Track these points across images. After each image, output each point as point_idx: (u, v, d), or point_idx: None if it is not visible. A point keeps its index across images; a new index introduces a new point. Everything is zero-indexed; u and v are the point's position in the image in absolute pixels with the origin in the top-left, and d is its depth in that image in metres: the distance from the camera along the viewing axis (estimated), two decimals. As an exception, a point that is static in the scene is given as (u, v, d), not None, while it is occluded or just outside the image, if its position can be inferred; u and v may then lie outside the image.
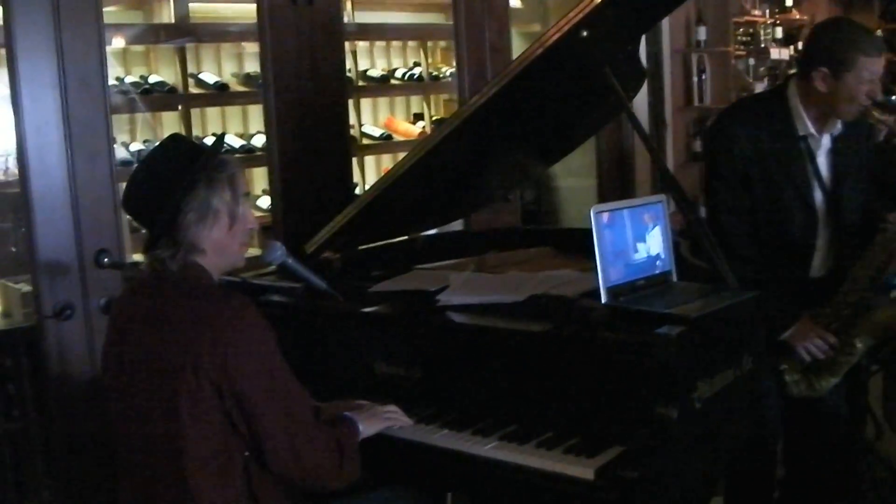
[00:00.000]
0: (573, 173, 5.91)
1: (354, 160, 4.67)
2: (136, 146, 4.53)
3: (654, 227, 2.49)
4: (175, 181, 2.17)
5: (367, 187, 5.02)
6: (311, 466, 2.20)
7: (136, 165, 2.30)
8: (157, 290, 2.23)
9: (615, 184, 5.74)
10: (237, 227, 2.27)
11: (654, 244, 2.49)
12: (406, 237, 3.58)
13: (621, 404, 2.21)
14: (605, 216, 2.38)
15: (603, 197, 5.57)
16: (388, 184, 3.03)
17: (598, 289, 2.37)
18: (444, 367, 2.55)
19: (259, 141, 4.82)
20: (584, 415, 2.29)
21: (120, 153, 3.86)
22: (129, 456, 2.25)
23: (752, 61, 7.12)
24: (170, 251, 2.20)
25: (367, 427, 2.38)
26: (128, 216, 2.43)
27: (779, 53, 7.35)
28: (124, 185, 3.37)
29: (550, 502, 2.20)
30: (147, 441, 2.19)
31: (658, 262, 2.51)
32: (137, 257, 3.68)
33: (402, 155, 3.46)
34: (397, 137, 5.50)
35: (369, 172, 5.54)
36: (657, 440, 2.11)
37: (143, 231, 2.30)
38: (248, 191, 2.32)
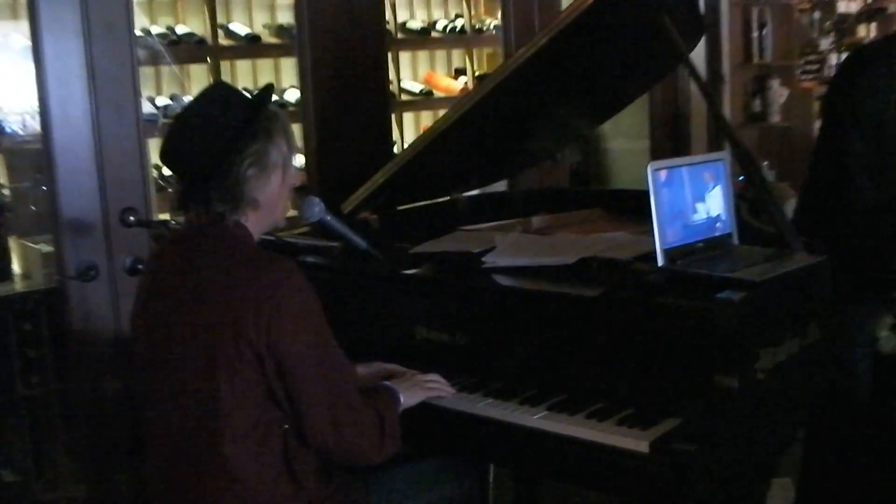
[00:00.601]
0: (623, 134, 5.87)
1: (392, 117, 4.65)
2: (162, 100, 4.54)
3: (714, 186, 2.47)
4: (233, 130, 2.16)
5: (405, 145, 5.04)
6: (350, 440, 2.21)
7: (174, 118, 2.27)
8: (195, 250, 2.23)
9: (669, 145, 5.69)
10: (286, 183, 2.28)
11: (714, 204, 2.47)
12: (447, 198, 3.57)
13: (678, 374, 2.20)
14: (663, 174, 2.36)
15: (655, 159, 5.52)
16: (428, 142, 3.03)
17: (653, 251, 2.35)
18: (489, 332, 2.55)
19: (292, 96, 4.81)
20: (639, 384, 2.28)
21: (145, 108, 3.86)
22: (160, 425, 2.26)
23: (816, 15, 7.00)
24: (230, 205, 2.19)
25: (409, 398, 2.39)
26: (168, 171, 2.40)
27: (846, 6, 7.22)
28: (151, 140, 3.42)
29: (601, 476, 2.21)
30: (181, 410, 2.19)
31: (718, 224, 2.49)
32: (164, 216, 3.70)
33: (442, 112, 3.45)
34: (438, 93, 5.48)
35: (408, 130, 5.53)
36: (716, 412, 2.10)
37: (179, 188, 2.28)
38: (296, 143, 2.32)
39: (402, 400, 2.36)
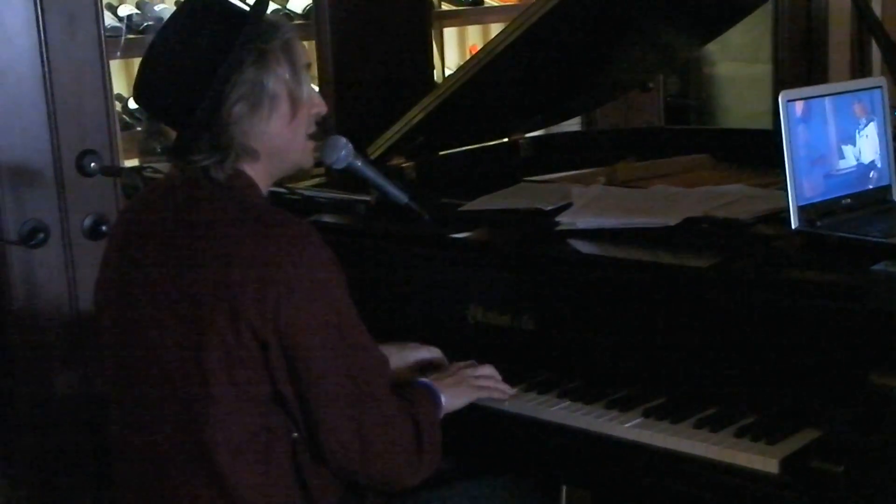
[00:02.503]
0: (736, 55, 5.85)
1: (432, 33, 4.65)
2: (126, 9, 4.55)
3: (867, 123, 2.46)
4: (214, 57, 2.14)
5: (447, 70, 5.04)
6: (379, 458, 2.22)
7: (153, 39, 2.26)
8: (182, 206, 2.22)
9: (799, 70, 5.65)
10: (301, 114, 2.27)
11: (867, 148, 2.47)
12: (505, 140, 3.58)
13: (818, 371, 2.20)
14: (799, 106, 2.35)
15: (781, 88, 5.48)
16: (479, 67, 3.04)
17: (784, 209, 2.35)
18: (564, 315, 2.56)
19: (299, 4, 4.82)
20: (764, 385, 2.28)
21: (105, 19, 3.89)
22: (133, 430, 2.27)
23: None
24: (215, 157, 2.18)
25: (452, 398, 2.40)
26: (144, 111, 2.39)
27: None
28: (112, 62, 3.43)
29: (715, 503, 2.21)
30: (159, 411, 2.20)
31: (873, 174, 2.48)
32: (132, 162, 3.73)
33: (496, 27, 3.45)
34: (490, 2, 5.48)
35: (451, 50, 5.53)
36: (871, 422, 2.08)
37: (157, 132, 2.30)
38: (308, 61, 2.31)
39: (443, 402, 2.37)
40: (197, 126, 2.17)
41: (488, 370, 2.49)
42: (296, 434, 2.20)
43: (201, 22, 2.20)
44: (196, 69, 2.16)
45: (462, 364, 2.51)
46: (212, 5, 2.25)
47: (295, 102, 2.25)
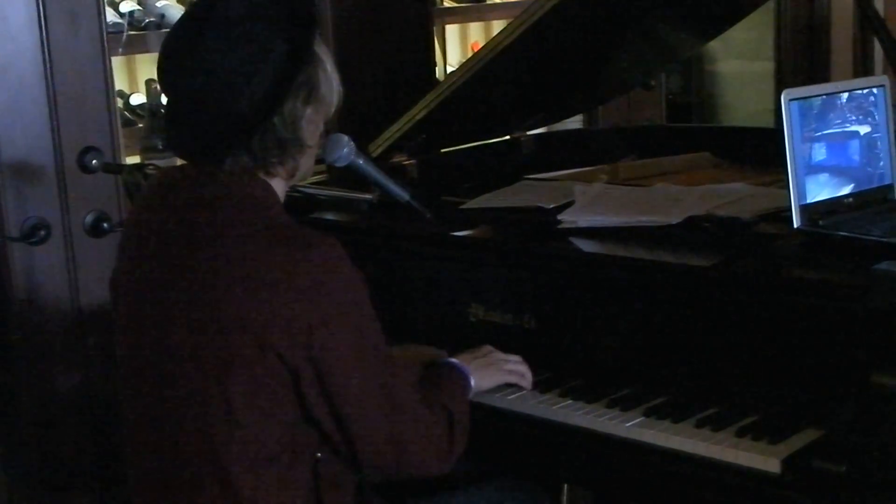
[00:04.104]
0: (738, 53, 5.84)
1: (434, 30, 4.65)
2: (127, 6, 4.55)
3: (870, 121, 2.46)
4: (285, 48, 2.10)
5: (448, 68, 5.04)
6: (415, 455, 2.22)
7: (175, 32, 2.16)
8: (207, 216, 2.15)
9: (801, 67, 5.65)
10: (325, 118, 2.25)
11: (869, 146, 2.46)
12: (507, 137, 3.58)
13: (819, 370, 2.20)
14: (801, 105, 2.35)
15: (783, 86, 5.49)
16: (481, 64, 3.04)
17: (786, 208, 2.35)
18: (566, 313, 2.56)
19: (299, 1, 4.81)
20: (765, 384, 2.28)
21: (108, 16, 3.89)
22: (149, 443, 2.23)
23: None
24: (277, 153, 2.15)
25: (481, 379, 2.42)
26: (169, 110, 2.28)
27: None
28: (114, 59, 3.42)
29: (716, 502, 2.22)
30: (176, 428, 2.16)
31: (875, 173, 2.48)
32: (132, 159, 3.73)
33: (498, 25, 3.44)
34: (492, -2, 5.48)
35: (452, 47, 5.52)
36: (872, 422, 2.08)
37: (192, 133, 2.18)
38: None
39: (472, 384, 2.39)
40: (265, 127, 2.12)
41: (516, 358, 2.51)
42: (319, 454, 2.18)
43: (257, 10, 2.13)
44: (270, 70, 2.10)
45: (492, 348, 2.52)
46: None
47: (330, 101, 2.24)
